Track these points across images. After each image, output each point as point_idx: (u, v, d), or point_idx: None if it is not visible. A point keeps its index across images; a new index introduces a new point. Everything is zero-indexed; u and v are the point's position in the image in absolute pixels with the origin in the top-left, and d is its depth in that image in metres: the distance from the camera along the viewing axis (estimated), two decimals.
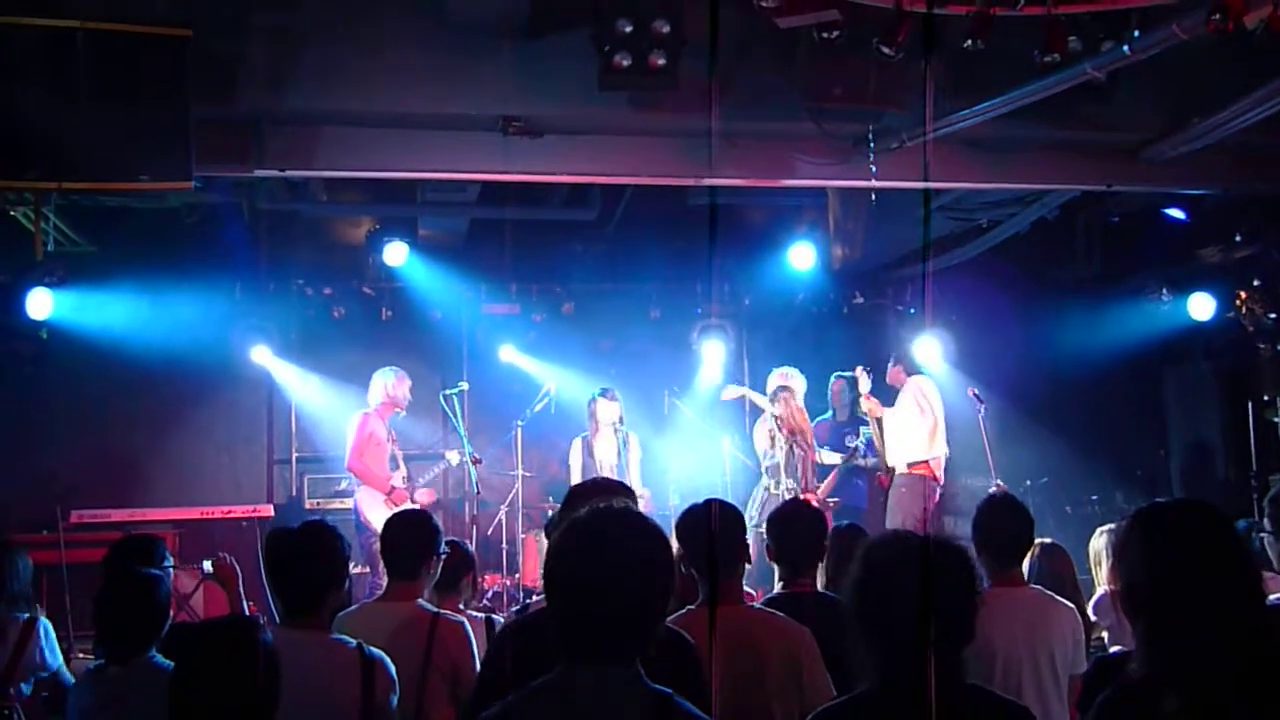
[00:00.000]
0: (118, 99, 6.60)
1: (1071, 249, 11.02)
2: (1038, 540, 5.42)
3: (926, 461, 9.13)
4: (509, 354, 11.56)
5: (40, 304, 8.52)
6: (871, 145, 7.80)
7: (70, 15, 6.52)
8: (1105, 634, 5.59)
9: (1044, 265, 11.41)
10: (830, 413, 10.49)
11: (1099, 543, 5.77)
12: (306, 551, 3.87)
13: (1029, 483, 10.75)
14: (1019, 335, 11.34)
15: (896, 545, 2.74)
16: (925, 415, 9.20)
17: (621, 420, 9.94)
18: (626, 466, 9.84)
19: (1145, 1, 5.74)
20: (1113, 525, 5.64)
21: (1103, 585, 5.67)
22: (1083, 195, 9.69)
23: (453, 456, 9.59)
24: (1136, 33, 6.02)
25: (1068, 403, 11.49)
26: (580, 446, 9.77)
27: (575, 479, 9.46)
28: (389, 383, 9.21)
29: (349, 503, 9.50)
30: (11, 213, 8.74)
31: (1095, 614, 5.53)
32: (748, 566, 4.31)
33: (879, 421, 9.55)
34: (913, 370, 9.59)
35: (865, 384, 9.61)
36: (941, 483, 9.29)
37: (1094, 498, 11.14)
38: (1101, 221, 10.73)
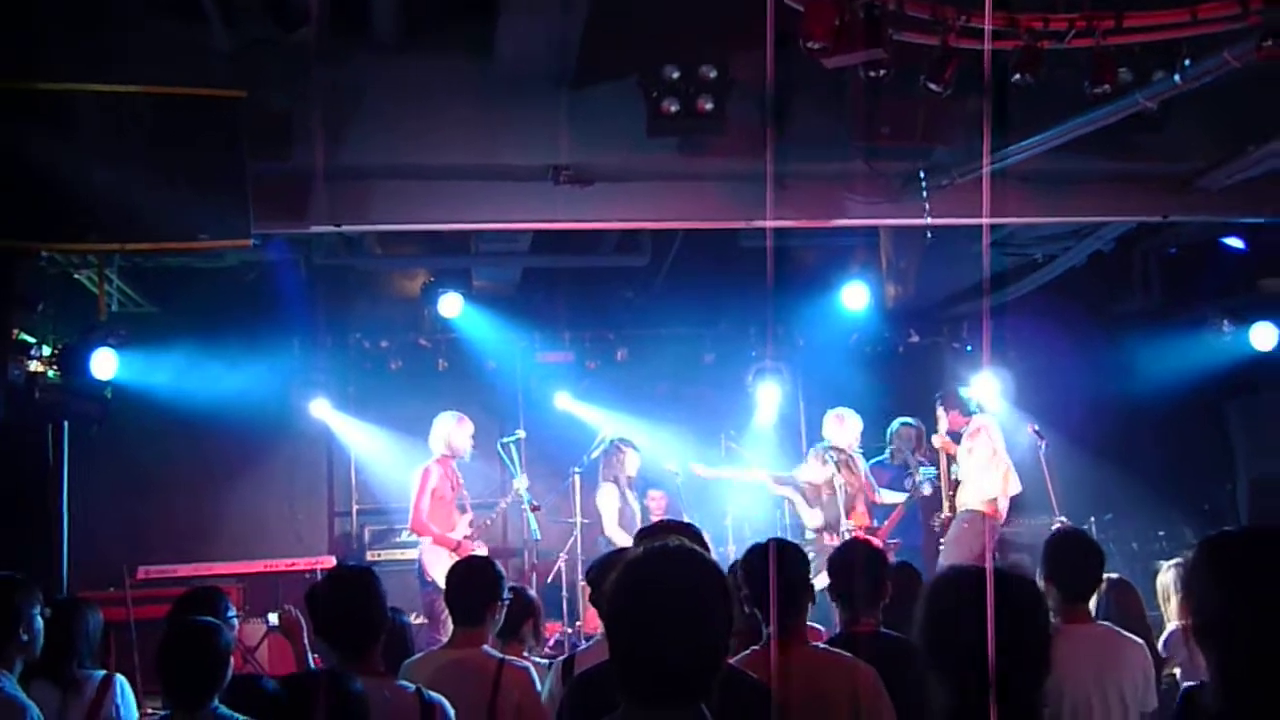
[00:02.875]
0: (177, 160, 6.75)
1: (1129, 282, 10.91)
2: (1105, 576, 5.34)
3: (995, 499, 9.02)
4: (564, 402, 11.60)
5: (104, 364, 8.64)
6: (923, 183, 7.79)
7: (129, 80, 6.69)
8: (1177, 670, 5.47)
9: (1102, 299, 11.30)
10: (886, 456, 10.33)
11: (1167, 577, 5.68)
12: (343, 599, 3.90)
13: (1093, 519, 10.58)
14: (1078, 370, 11.20)
15: (963, 581, 2.69)
16: (999, 457, 9.09)
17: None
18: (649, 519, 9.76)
19: (1195, 31, 5.70)
20: (1180, 559, 5.55)
21: (1172, 621, 5.56)
22: (1139, 227, 9.60)
23: (520, 483, 9.52)
24: (1187, 62, 5.98)
25: (1130, 438, 11.33)
26: (615, 494, 9.67)
27: (612, 527, 9.45)
28: (449, 429, 9.14)
29: (411, 553, 9.51)
30: (75, 275, 8.94)
31: (1166, 650, 5.43)
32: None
33: (949, 459, 9.45)
34: (969, 411, 9.45)
35: (945, 422, 9.52)
36: (1002, 520, 9.14)
37: (1160, 533, 10.94)
38: (1159, 253, 10.63)
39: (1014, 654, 2.48)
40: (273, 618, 4.98)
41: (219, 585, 6.81)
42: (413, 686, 3.81)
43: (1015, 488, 9.13)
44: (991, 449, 9.13)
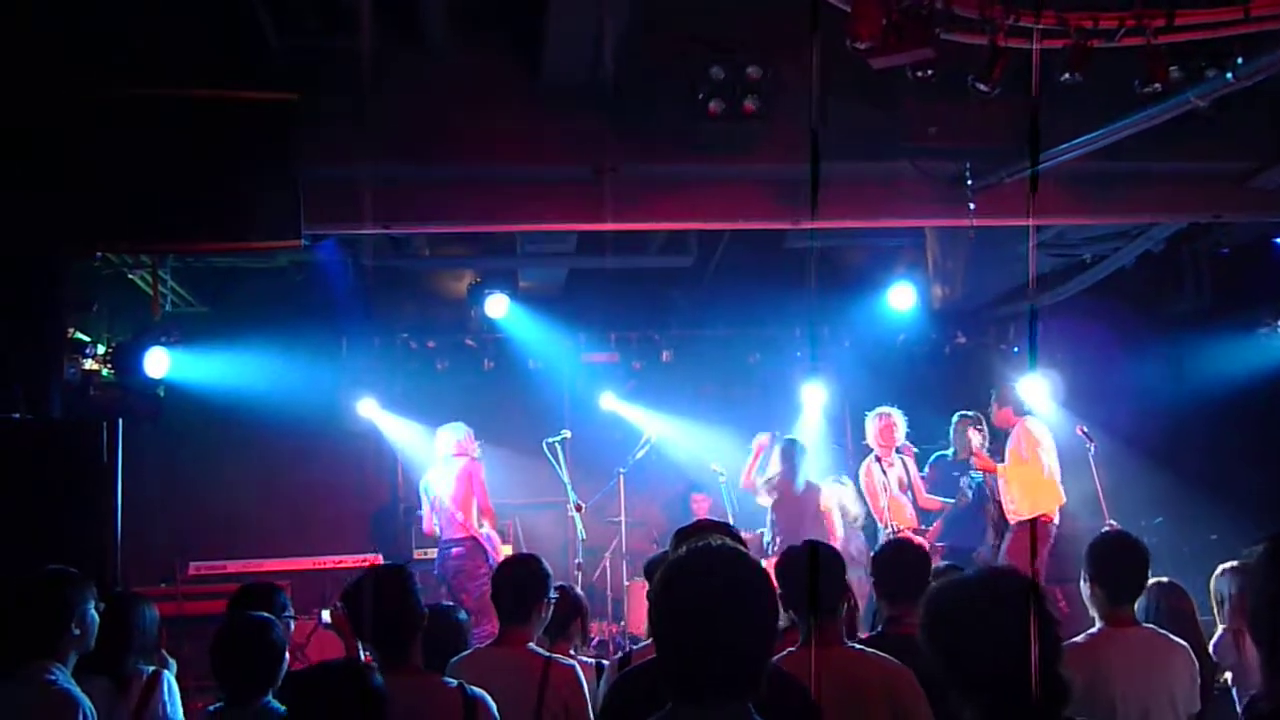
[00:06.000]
0: (229, 162, 6.82)
1: (1180, 282, 10.79)
2: (1155, 579, 5.28)
3: (1043, 514, 8.87)
4: (609, 402, 11.64)
5: (158, 363, 8.78)
6: (969, 183, 7.75)
7: (181, 83, 6.78)
8: (1228, 675, 5.40)
9: (1152, 300, 11.17)
10: (951, 451, 10.09)
11: (1220, 582, 5.59)
12: (378, 597, 3.93)
13: (1144, 523, 10.45)
14: (1128, 372, 11.09)
15: (956, 588, 2.65)
16: (1030, 464, 8.93)
17: None
18: None
19: (1248, 28, 5.63)
20: (1234, 563, 5.47)
21: (1224, 625, 5.49)
22: (1190, 227, 9.50)
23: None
24: (1240, 59, 5.91)
25: (1182, 440, 11.20)
26: None
27: None
28: (464, 435, 9.39)
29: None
30: (129, 275, 9.08)
31: (1217, 655, 5.36)
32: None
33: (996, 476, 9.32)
34: (1021, 411, 9.29)
35: (977, 439, 9.35)
36: (1055, 523, 8.98)
37: (1213, 537, 10.78)
38: (1210, 253, 10.50)
39: (1024, 655, 2.46)
40: (325, 615, 5.01)
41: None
42: (454, 682, 3.84)
43: (1055, 499, 8.96)
44: (1017, 458, 8.99)
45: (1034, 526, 8.81)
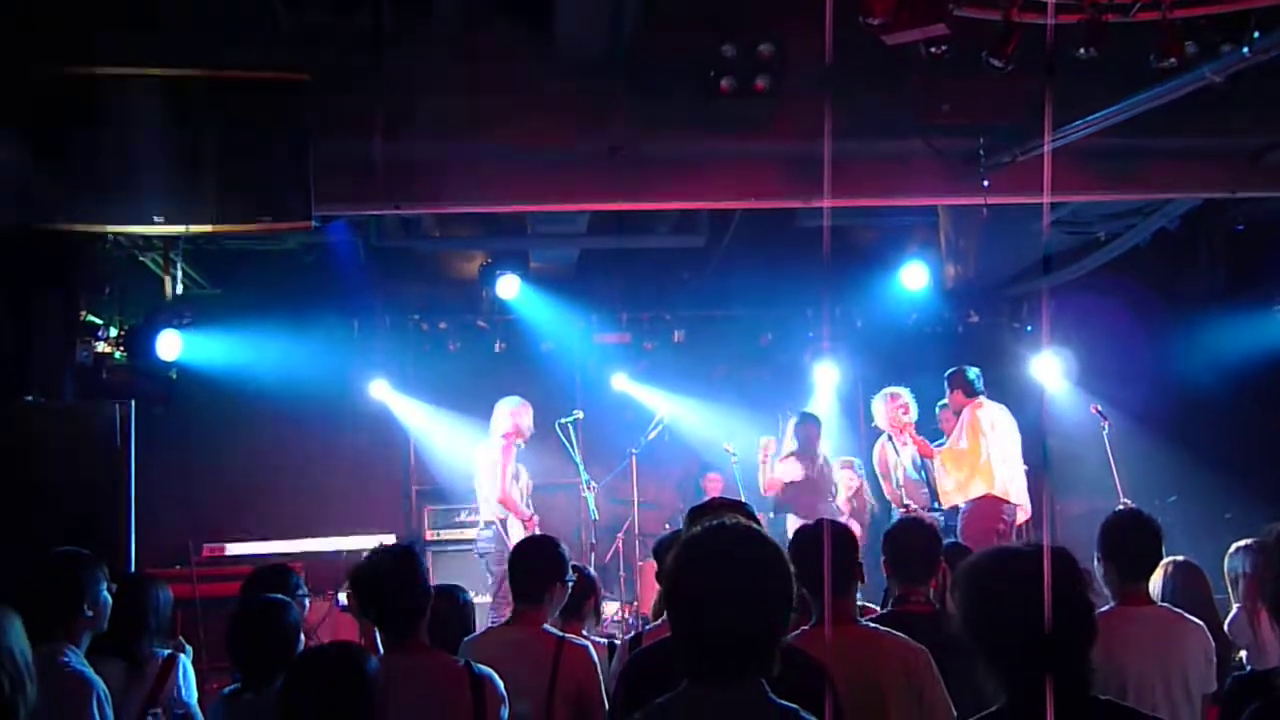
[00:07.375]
0: (239, 143, 6.81)
1: (1195, 260, 10.73)
2: (1170, 558, 5.28)
3: (987, 494, 8.71)
4: (621, 383, 11.63)
5: (169, 345, 8.79)
6: (983, 160, 7.70)
7: (192, 64, 6.77)
8: (1243, 654, 5.39)
9: (1167, 278, 11.10)
10: None
11: (1235, 560, 5.58)
12: (381, 578, 3.94)
13: (1157, 502, 10.41)
14: (1142, 350, 11.02)
15: (998, 560, 2.66)
16: (969, 451, 8.80)
17: None
18: None
19: (1265, 1, 5.57)
20: (1249, 541, 5.45)
21: (1238, 603, 5.47)
22: (1205, 204, 9.42)
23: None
24: (1256, 34, 5.85)
25: (1196, 419, 11.14)
26: None
27: None
28: (516, 411, 9.29)
29: (469, 533, 9.60)
30: (141, 258, 9.08)
31: (1232, 633, 5.34)
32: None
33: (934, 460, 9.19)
34: (972, 394, 9.13)
35: (950, 400, 9.27)
36: (1014, 505, 8.79)
37: (1227, 516, 10.74)
38: (1226, 230, 10.43)
39: (1059, 631, 2.44)
40: (341, 596, 5.03)
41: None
42: (461, 660, 3.85)
43: (991, 488, 8.66)
44: (958, 442, 8.88)
45: (984, 505, 8.67)
